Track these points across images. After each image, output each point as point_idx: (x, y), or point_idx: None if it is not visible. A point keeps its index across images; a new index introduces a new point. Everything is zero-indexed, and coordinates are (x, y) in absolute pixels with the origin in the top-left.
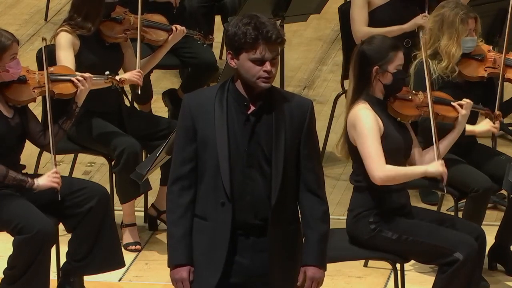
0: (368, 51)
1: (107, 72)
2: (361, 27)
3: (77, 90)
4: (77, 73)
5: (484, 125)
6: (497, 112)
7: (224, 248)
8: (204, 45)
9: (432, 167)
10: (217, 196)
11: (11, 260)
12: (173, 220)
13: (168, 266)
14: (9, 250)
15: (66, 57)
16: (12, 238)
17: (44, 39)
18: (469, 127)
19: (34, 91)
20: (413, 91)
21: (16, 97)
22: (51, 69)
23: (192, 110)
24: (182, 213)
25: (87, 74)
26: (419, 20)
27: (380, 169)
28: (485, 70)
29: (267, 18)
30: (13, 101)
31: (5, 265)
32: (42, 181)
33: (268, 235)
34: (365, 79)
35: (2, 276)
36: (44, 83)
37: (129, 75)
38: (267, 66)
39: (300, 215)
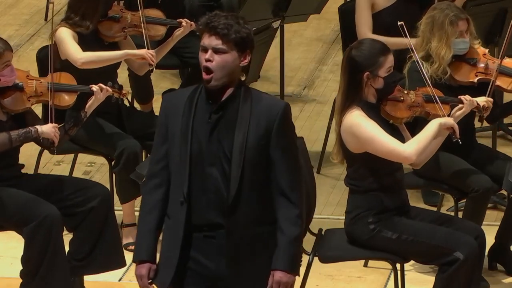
0: (358, 57)
1: (109, 83)
2: (367, 33)
3: (73, 102)
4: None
5: (482, 100)
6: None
7: (177, 248)
8: None
9: (443, 119)
10: (178, 195)
11: (24, 254)
12: (140, 216)
13: (133, 262)
14: (9, 250)
15: (73, 45)
16: (12, 239)
17: (52, 2)
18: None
19: (29, 100)
20: (405, 91)
21: (10, 106)
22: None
23: (166, 109)
24: (148, 210)
25: (104, 86)
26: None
27: (406, 150)
28: (476, 76)
29: (241, 18)
30: (7, 109)
31: (5, 265)
32: (47, 129)
33: (226, 235)
34: (355, 85)
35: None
36: (41, 93)
37: (144, 51)
38: (207, 53)
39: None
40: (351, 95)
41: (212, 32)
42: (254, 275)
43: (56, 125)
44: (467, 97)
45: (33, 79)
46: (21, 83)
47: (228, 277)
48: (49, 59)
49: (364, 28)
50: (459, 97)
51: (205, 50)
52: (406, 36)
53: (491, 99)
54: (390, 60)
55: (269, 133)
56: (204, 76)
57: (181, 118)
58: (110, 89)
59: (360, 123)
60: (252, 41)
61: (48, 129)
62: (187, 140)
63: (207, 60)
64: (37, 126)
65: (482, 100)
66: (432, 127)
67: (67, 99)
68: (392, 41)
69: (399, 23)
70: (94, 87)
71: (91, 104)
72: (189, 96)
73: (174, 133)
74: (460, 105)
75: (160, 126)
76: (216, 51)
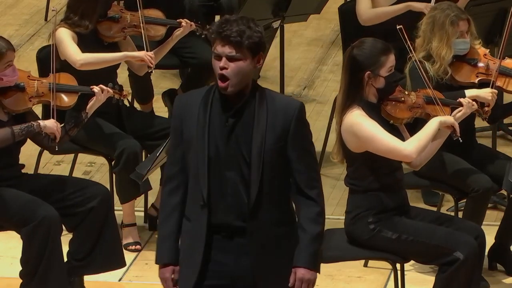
0: (359, 56)
1: (110, 84)
2: (366, 9)
3: (74, 103)
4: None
5: (486, 91)
6: (486, 108)
7: (200, 250)
8: (202, 36)
9: (443, 118)
10: (197, 198)
11: (23, 255)
12: (161, 219)
13: (156, 264)
14: (9, 250)
15: (72, 46)
16: (12, 239)
17: (54, 10)
18: (472, 92)
19: (30, 100)
20: (406, 92)
21: (11, 106)
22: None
23: (180, 111)
24: (168, 212)
25: (105, 87)
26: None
27: (407, 148)
28: (477, 76)
29: (252, 21)
30: (8, 109)
31: (5, 265)
32: (49, 123)
33: (249, 238)
34: (356, 84)
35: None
36: (42, 93)
37: (143, 54)
38: (221, 61)
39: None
40: (352, 94)
41: (226, 41)
42: (275, 274)
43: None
44: (467, 99)
45: (35, 80)
46: (22, 84)
47: (249, 276)
48: (51, 59)
49: (364, 6)
50: (458, 100)
51: (219, 57)
52: (405, 40)
53: (496, 91)
54: (391, 60)
55: (286, 133)
56: (220, 84)
57: (196, 122)
58: (111, 90)
59: (361, 123)
60: (265, 43)
61: (50, 123)
62: (204, 144)
63: (222, 68)
64: (39, 121)
65: (487, 92)
66: (432, 125)
67: (68, 100)
68: (392, 9)
69: (398, 27)
70: (95, 88)
71: (92, 105)
72: (203, 99)
73: (190, 137)
74: (460, 108)
75: (174, 129)
76: (230, 58)
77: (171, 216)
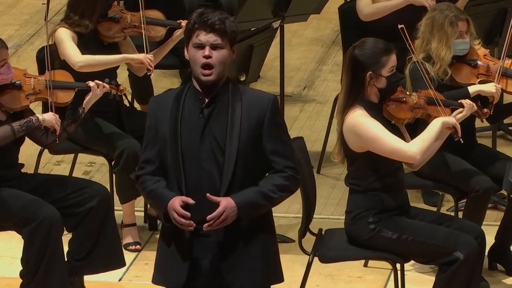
0: (361, 56)
1: (106, 80)
2: (366, 5)
3: (71, 99)
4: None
5: (490, 87)
6: (485, 110)
7: (186, 247)
8: None
9: (446, 118)
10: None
11: (24, 255)
12: (149, 184)
13: (164, 218)
14: (9, 250)
15: (72, 48)
16: (13, 239)
17: (44, 3)
18: (475, 87)
19: (27, 98)
20: (407, 92)
21: (8, 104)
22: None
23: (154, 111)
24: (155, 180)
25: (101, 82)
26: None
27: (411, 149)
28: (477, 77)
29: (225, 14)
30: (5, 107)
31: (5, 265)
32: (48, 116)
33: (219, 231)
34: (358, 84)
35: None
36: (39, 90)
37: (142, 56)
38: (206, 50)
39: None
40: (353, 94)
41: (209, 29)
42: (247, 266)
43: (55, 114)
44: (468, 101)
45: (31, 77)
46: (18, 82)
47: (223, 271)
48: (46, 57)
49: (364, 1)
50: (459, 101)
51: (202, 47)
52: (406, 40)
53: (499, 86)
54: (392, 60)
55: (261, 124)
56: (204, 72)
57: (168, 119)
58: (107, 85)
59: (363, 123)
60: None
61: (49, 116)
62: (177, 139)
63: (207, 57)
64: (38, 115)
65: (490, 85)
66: (435, 126)
67: (65, 96)
68: (392, 4)
69: (399, 26)
70: (91, 83)
71: (89, 100)
72: (175, 97)
73: (164, 135)
74: (460, 109)
75: (149, 129)
76: (215, 47)
77: (158, 182)
